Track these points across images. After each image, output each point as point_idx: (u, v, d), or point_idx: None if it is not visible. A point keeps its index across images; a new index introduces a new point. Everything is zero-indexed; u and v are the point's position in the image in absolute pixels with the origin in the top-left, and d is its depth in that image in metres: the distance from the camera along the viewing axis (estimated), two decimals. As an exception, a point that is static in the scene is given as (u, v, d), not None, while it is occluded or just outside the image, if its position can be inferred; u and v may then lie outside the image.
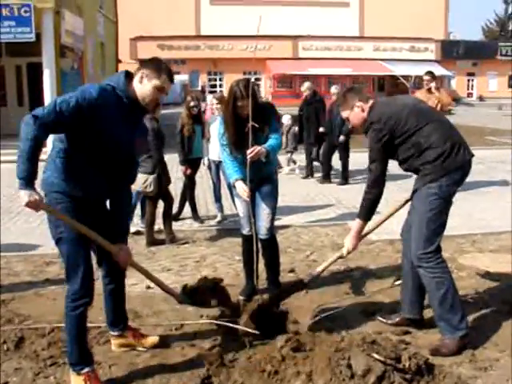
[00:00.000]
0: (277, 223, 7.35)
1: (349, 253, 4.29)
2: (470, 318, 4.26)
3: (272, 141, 4.77)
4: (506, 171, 11.99)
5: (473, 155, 4.03)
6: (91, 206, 3.56)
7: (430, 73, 9.42)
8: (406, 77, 43.66)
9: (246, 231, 5.07)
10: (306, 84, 11.62)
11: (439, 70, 47.34)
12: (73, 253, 3.47)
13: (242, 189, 4.68)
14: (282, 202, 8.06)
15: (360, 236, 4.24)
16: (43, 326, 4.33)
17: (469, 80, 52.24)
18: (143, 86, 3.44)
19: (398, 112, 3.98)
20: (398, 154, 4.01)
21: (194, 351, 3.94)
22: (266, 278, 5.05)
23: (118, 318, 3.98)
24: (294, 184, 10.83)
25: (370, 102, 4.12)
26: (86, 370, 3.50)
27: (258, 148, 4.60)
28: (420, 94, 9.22)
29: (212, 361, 3.61)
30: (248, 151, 4.57)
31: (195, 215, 8.17)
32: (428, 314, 4.29)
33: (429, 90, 9.14)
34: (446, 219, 3.99)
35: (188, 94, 9.09)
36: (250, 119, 4.48)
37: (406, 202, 4.31)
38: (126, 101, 3.44)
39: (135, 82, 3.47)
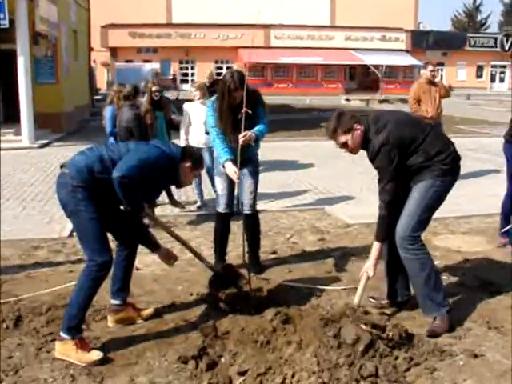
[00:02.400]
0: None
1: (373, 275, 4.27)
2: (445, 293, 4.55)
3: (260, 126, 5.16)
4: (475, 158, 12.39)
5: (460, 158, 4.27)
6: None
7: (433, 64, 9.71)
8: (376, 66, 44.18)
9: (221, 209, 5.42)
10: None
11: (409, 60, 48.07)
12: (99, 229, 3.80)
13: (233, 170, 4.96)
14: (260, 188, 8.32)
15: (379, 259, 4.29)
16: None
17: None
18: None
19: (399, 128, 4.08)
20: (408, 164, 4.09)
21: (187, 325, 4.18)
22: (247, 252, 5.28)
23: (124, 285, 4.28)
24: (269, 170, 11.04)
25: (361, 122, 4.13)
26: (79, 335, 3.78)
27: (249, 133, 4.95)
28: (419, 86, 9.47)
29: (207, 333, 3.86)
30: (240, 136, 4.92)
31: (172, 201, 8.28)
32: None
33: (430, 81, 9.40)
34: (433, 214, 4.22)
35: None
36: (243, 106, 4.74)
37: None
38: None
39: None
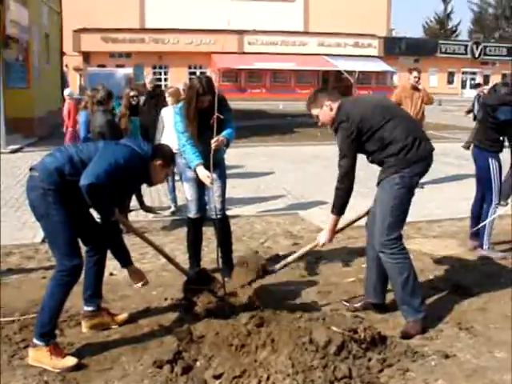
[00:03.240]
0: (229, 213, 7.60)
1: (323, 245, 4.51)
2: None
3: (228, 130, 5.21)
4: (446, 163, 12.57)
5: (433, 149, 4.35)
6: None
7: (418, 70, 9.84)
8: (349, 72, 44.56)
9: (192, 214, 5.46)
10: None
11: (382, 66, 48.56)
12: (70, 233, 3.77)
13: (206, 175, 5.00)
14: (233, 193, 8.38)
15: (335, 230, 4.47)
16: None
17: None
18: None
19: (364, 110, 4.24)
20: (365, 149, 4.26)
21: (162, 330, 4.18)
22: (220, 257, 5.30)
23: (97, 291, 4.25)
24: (242, 175, 11.08)
25: (339, 101, 4.35)
26: (53, 341, 3.75)
27: (221, 138, 5.00)
28: (403, 90, 9.63)
29: (182, 337, 3.87)
30: (213, 140, 4.96)
31: (144, 207, 8.26)
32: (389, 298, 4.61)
33: (415, 87, 9.54)
34: (408, 208, 4.28)
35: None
36: (215, 112, 4.78)
37: None
38: None
39: None
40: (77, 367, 3.66)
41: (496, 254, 6.07)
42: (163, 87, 37.77)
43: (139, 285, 4.12)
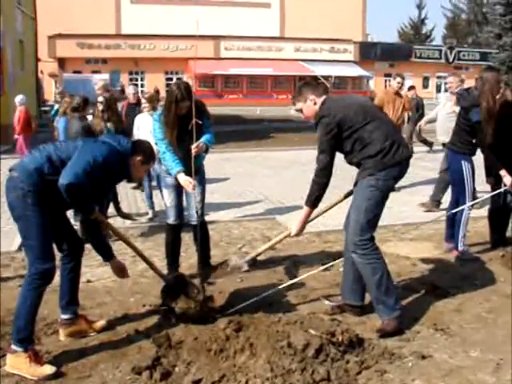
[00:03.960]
0: (207, 218, 7.60)
1: (295, 235, 4.61)
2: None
3: (208, 136, 5.25)
4: (422, 167, 12.69)
5: (411, 154, 4.42)
6: None
7: (401, 76, 9.95)
8: (326, 77, 44.73)
9: (171, 220, 5.47)
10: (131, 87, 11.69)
11: (358, 71, 48.92)
12: (46, 236, 3.76)
13: (188, 181, 5.00)
14: (211, 199, 8.38)
15: (306, 222, 4.55)
16: None
17: (386, 80, 54.02)
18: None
19: (347, 108, 4.29)
20: (343, 148, 4.32)
21: (140, 336, 4.17)
22: (198, 263, 5.30)
23: (73, 298, 4.22)
24: (220, 181, 11.09)
25: (323, 97, 4.41)
26: (31, 347, 3.73)
27: (201, 144, 5.01)
28: (385, 95, 9.76)
29: (160, 343, 3.87)
30: (193, 146, 4.99)
31: (121, 213, 8.23)
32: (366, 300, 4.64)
33: (397, 93, 9.66)
34: (382, 211, 4.33)
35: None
36: (192, 117, 4.79)
37: (349, 193, 4.62)
38: None
39: None
40: (55, 375, 3.64)
41: (471, 255, 6.16)
42: (140, 93, 37.56)
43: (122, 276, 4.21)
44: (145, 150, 4.08)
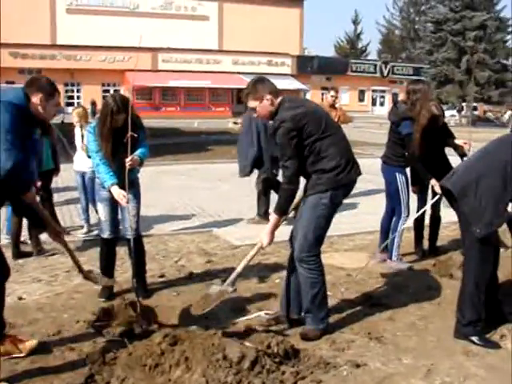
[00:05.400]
0: (143, 232, 7.53)
1: (266, 246, 4.39)
2: (329, 307, 4.73)
3: (142, 149, 5.20)
4: (358, 179, 12.93)
5: (361, 173, 4.47)
6: None
7: (336, 90, 10.10)
8: (263, 90, 45.15)
9: (106, 234, 5.39)
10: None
11: (295, 84, 49.57)
12: None
13: (121, 194, 4.94)
14: (147, 212, 8.31)
15: (275, 231, 4.37)
16: None
17: (323, 93, 55.03)
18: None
19: (309, 116, 4.22)
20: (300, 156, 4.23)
21: (74, 354, 4.08)
22: (133, 277, 5.23)
23: None
24: (157, 193, 10.99)
25: (280, 97, 4.31)
26: None
27: (135, 157, 4.98)
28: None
29: (94, 360, 3.79)
30: (127, 159, 4.91)
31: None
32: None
33: (332, 106, 9.79)
34: (329, 227, 4.39)
35: None
36: (128, 130, 4.74)
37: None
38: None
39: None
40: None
41: (404, 265, 6.31)
42: (75, 105, 36.92)
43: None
44: (40, 86, 3.80)
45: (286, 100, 4.32)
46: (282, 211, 4.31)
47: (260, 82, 4.38)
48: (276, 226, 4.35)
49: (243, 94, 4.44)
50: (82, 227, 8.18)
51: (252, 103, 4.36)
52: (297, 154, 4.17)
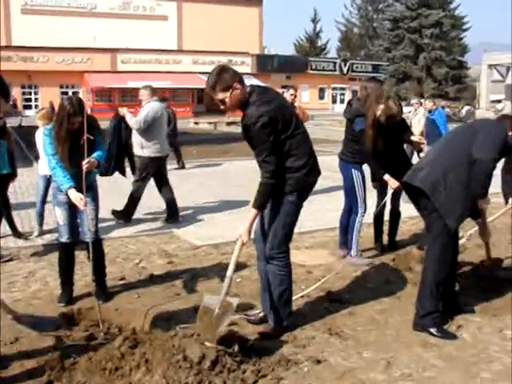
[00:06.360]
0: (104, 235, 7.46)
1: (247, 242, 4.23)
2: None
3: (99, 152, 5.18)
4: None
5: (320, 172, 4.50)
6: None
7: (295, 89, 10.13)
8: (224, 89, 45.12)
9: (65, 239, 5.34)
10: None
11: (255, 83, 49.28)
12: None
13: (79, 197, 4.88)
14: (108, 214, 8.24)
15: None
16: None
17: (283, 92, 54.96)
18: None
19: (282, 111, 4.17)
20: None
21: (33, 361, 4.00)
22: (94, 280, 5.19)
23: None
24: (117, 196, 10.86)
25: (248, 87, 4.17)
26: None
27: (92, 159, 4.94)
28: None
29: (53, 366, 3.74)
30: (84, 162, 4.87)
31: (15, 232, 7.92)
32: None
33: (291, 105, 9.81)
34: (295, 224, 4.45)
35: None
36: (85, 133, 4.69)
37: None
38: None
39: None
40: None
41: (363, 260, 6.39)
42: (33, 108, 36.30)
43: None
44: None
45: (256, 91, 4.17)
46: (261, 206, 4.22)
47: (225, 71, 4.13)
48: (254, 221, 4.25)
49: (207, 86, 4.13)
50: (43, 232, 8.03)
51: (221, 94, 4.10)
52: (274, 149, 4.08)
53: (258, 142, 4.10)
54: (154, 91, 9.09)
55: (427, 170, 4.54)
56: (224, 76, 4.09)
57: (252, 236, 4.39)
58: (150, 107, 8.49)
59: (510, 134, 4.76)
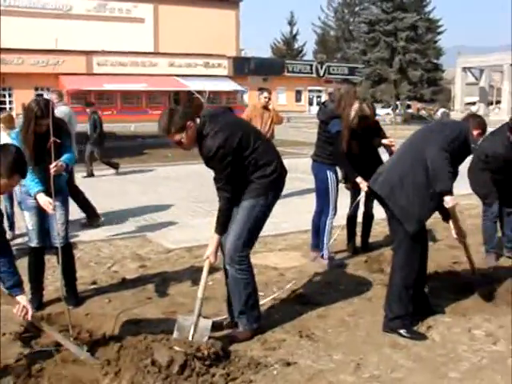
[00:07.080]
0: (76, 239, 7.42)
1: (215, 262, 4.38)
2: (261, 307, 4.77)
3: (68, 155, 5.12)
4: (292, 178, 12.98)
5: (287, 172, 4.52)
6: None
7: (269, 92, 10.22)
8: (200, 92, 45.03)
9: (34, 243, 5.28)
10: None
11: (232, 86, 49.67)
12: None
13: (48, 202, 4.82)
14: (78, 217, 8.17)
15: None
16: None
17: (258, 94, 55.24)
18: None
19: (238, 133, 4.22)
20: (235, 170, 4.21)
21: (-2, 368, 3.96)
22: (64, 285, 5.14)
23: None
24: (89, 199, 10.77)
25: (197, 119, 4.21)
26: None
27: (60, 163, 4.90)
28: (254, 109, 9.94)
29: (19, 373, 3.69)
30: (52, 165, 4.82)
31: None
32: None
33: (266, 107, 9.87)
34: (260, 231, 4.46)
35: None
36: (51, 136, 4.64)
37: None
38: None
39: None
40: None
41: (335, 262, 6.42)
42: (8, 110, 35.85)
43: None
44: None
45: (206, 121, 4.19)
46: (222, 231, 4.34)
47: (175, 112, 4.15)
48: (218, 245, 4.37)
49: (161, 130, 4.14)
50: (13, 238, 7.93)
51: (177, 136, 4.14)
52: (231, 178, 4.19)
53: (218, 170, 4.22)
54: (62, 95, 9.18)
55: (385, 175, 4.58)
56: (175, 117, 4.13)
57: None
58: (59, 112, 8.30)
59: (474, 132, 4.84)
